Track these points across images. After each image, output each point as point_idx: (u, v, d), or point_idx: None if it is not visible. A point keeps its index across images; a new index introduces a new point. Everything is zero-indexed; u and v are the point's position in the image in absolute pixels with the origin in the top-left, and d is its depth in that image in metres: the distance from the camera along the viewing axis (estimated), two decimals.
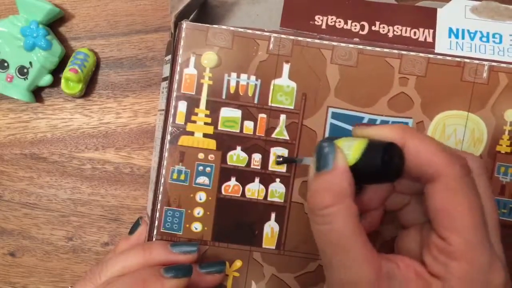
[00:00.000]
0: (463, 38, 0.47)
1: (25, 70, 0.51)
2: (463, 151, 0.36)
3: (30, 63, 0.51)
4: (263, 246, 0.46)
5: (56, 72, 0.53)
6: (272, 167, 0.46)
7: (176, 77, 0.45)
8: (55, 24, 0.54)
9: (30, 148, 0.54)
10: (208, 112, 0.45)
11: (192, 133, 0.45)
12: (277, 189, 0.46)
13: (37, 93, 0.54)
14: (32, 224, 0.54)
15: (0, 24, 0.51)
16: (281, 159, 0.45)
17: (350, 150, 0.33)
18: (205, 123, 0.45)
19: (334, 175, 0.32)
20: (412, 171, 0.32)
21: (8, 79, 0.51)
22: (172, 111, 0.45)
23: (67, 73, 0.51)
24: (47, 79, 0.52)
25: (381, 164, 0.32)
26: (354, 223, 0.31)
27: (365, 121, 0.46)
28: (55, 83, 0.53)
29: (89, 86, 0.54)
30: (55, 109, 0.54)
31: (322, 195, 0.32)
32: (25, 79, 0.52)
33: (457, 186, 0.31)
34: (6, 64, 0.51)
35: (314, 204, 0.32)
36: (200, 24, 0.45)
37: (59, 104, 0.54)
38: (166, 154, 0.45)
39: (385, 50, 0.45)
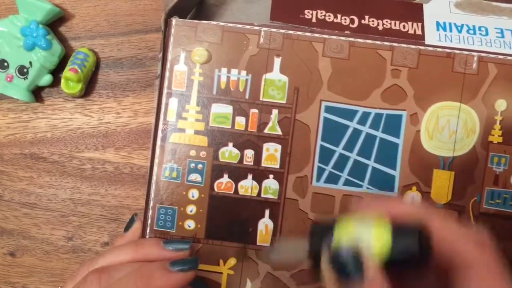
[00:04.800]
0: (450, 31, 0.43)
1: (25, 70, 0.47)
2: (478, 230, 0.30)
3: (30, 63, 0.47)
4: (258, 243, 0.42)
5: (56, 72, 0.49)
6: (265, 163, 0.41)
7: (167, 74, 0.41)
8: (55, 24, 0.50)
9: (30, 148, 0.50)
10: (199, 108, 0.41)
11: (183, 130, 0.41)
12: (270, 186, 0.42)
13: (37, 93, 0.50)
14: (32, 224, 0.50)
15: (0, 24, 0.47)
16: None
17: (370, 242, 0.25)
18: (196, 120, 0.41)
19: None
20: (436, 257, 0.27)
21: (8, 79, 0.47)
22: (163, 108, 0.41)
23: (67, 73, 0.47)
24: (47, 79, 0.48)
25: (416, 254, 0.25)
26: None
27: (359, 114, 0.42)
28: (55, 83, 0.49)
29: (89, 86, 0.50)
30: (55, 109, 0.50)
31: None
32: (25, 79, 0.47)
33: (492, 275, 0.27)
34: (6, 64, 0.47)
35: None
36: (189, 20, 0.41)
37: (59, 104, 0.50)
38: (157, 151, 0.41)
39: (377, 42, 0.42)
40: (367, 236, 0.25)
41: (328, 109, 0.41)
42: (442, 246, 0.27)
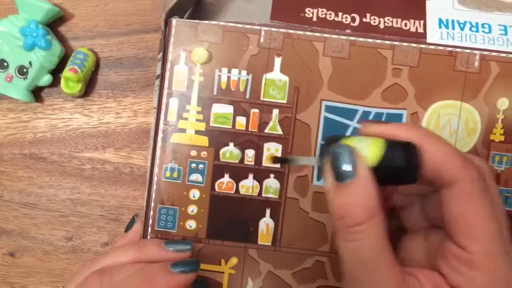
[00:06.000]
0: (453, 28, 0.44)
1: (25, 70, 0.47)
2: (468, 154, 0.32)
3: (30, 63, 0.47)
4: (259, 242, 0.42)
5: (56, 72, 0.49)
6: (266, 163, 0.42)
7: (167, 74, 0.41)
8: (54, 23, 0.50)
9: (29, 148, 0.50)
10: (199, 108, 0.41)
11: (184, 130, 0.41)
12: (271, 185, 0.42)
13: (36, 93, 0.50)
14: (32, 224, 0.50)
15: (0, 24, 0.47)
16: (276, 159, 0.41)
17: (366, 151, 0.28)
18: (197, 120, 0.41)
19: (360, 186, 0.27)
20: (426, 174, 0.28)
21: (8, 79, 0.48)
22: (163, 108, 0.41)
23: (66, 73, 0.47)
24: (46, 79, 0.48)
25: (404, 166, 0.27)
26: (384, 238, 0.27)
27: (359, 113, 0.42)
28: (55, 83, 0.49)
29: (89, 86, 0.50)
30: (54, 109, 0.50)
31: (352, 211, 0.27)
32: (24, 79, 0.48)
33: (475, 191, 0.27)
34: (5, 64, 0.48)
35: (344, 221, 0.28)
36: (189, 20, 0.41)
37: (59, 104, 0.50)
38: (158, 152, 0.41)
39: (378, 41, 0.42)
40: (364, 145, 0.28)
41: (329, 109, 0.41)
42: (432, 162, 0.28)
